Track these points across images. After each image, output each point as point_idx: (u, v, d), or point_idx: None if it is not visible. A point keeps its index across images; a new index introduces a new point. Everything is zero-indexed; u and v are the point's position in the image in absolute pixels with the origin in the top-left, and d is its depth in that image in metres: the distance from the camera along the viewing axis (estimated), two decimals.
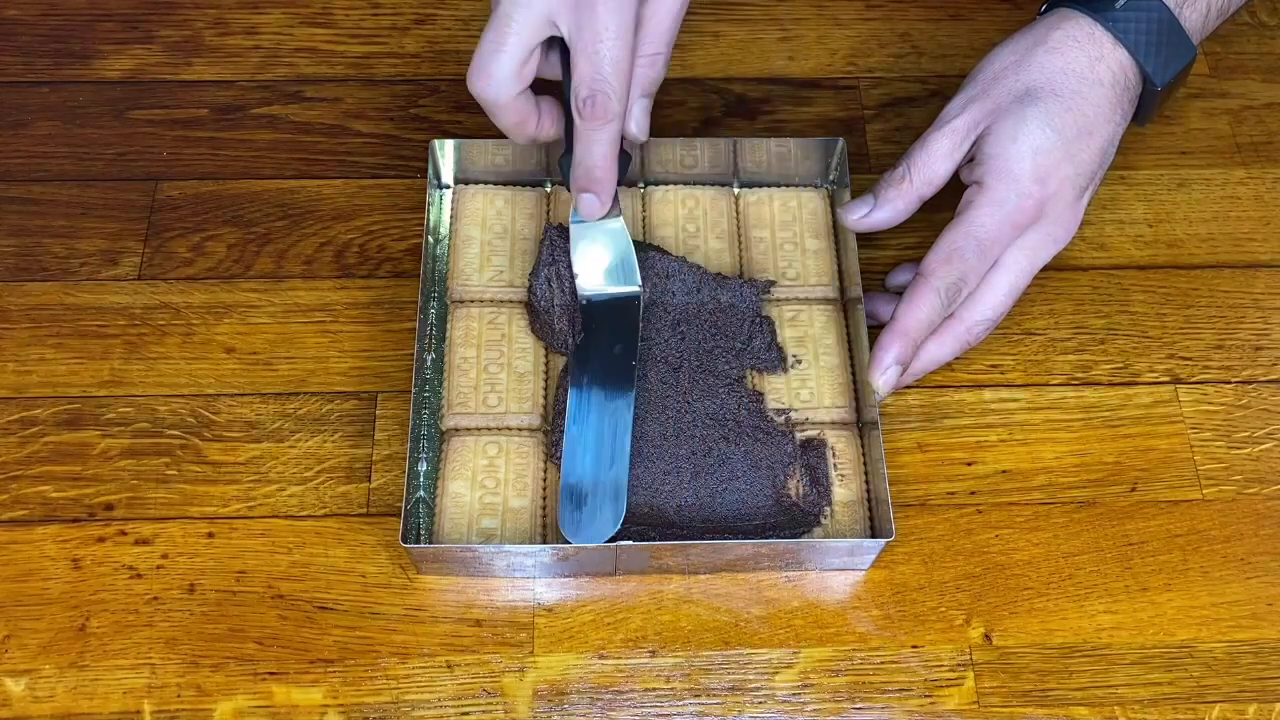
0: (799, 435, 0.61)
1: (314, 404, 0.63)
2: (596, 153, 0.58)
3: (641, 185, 0.68)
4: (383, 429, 0.62)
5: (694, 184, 0.68)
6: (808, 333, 0.64)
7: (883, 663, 0.57)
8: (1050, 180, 0.59)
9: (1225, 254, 0.68)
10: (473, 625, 0.57)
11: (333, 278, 0.66)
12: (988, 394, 0.64)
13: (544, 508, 0.59)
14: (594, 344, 0.61)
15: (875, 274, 0.66)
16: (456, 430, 0.61)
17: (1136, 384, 0.64)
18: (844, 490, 0.60)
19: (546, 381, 0.62)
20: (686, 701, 0.56)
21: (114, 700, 0.55)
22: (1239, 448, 0.63)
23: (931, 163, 0.60)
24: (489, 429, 0.61)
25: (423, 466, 0.60)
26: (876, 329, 0.60)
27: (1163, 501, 0.61)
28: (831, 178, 0.68)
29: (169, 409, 0.62)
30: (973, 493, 0.61)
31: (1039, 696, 0.56)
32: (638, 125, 0.59)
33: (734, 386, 0.62)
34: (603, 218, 0.61)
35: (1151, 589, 0.59)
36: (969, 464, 0.62)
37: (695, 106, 0.73)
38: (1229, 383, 0.65)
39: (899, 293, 0.61)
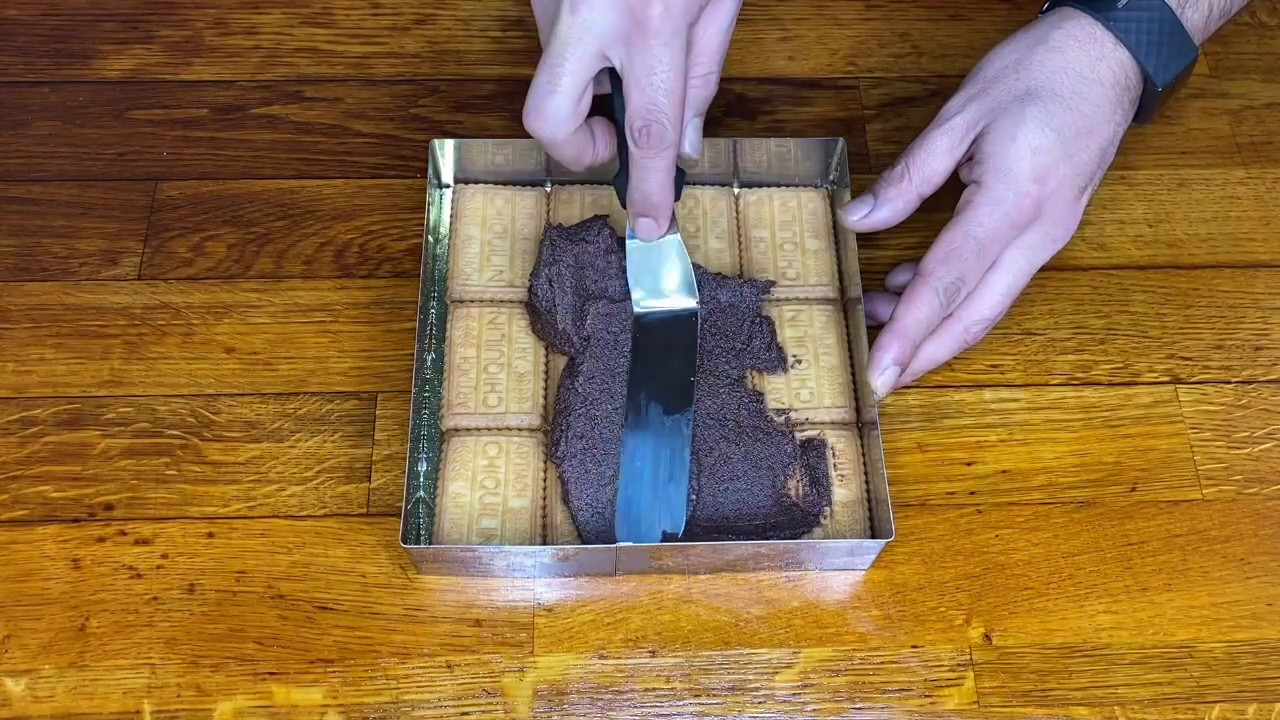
0: (799, 435, 0.61)
1: (314, 404, 0.63)
2: (653, 179, 0.58)
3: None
4: (383, 429, 0.62)
5: (694, 183, 0.68)
6: (808, 333, 0.64)
7: (883, 663, 0.57)
8: (1049, 179, 0.59)
9: (1225, 254, 0.68)
10: (473, 625, 0.57)
11: (333, 278, 0.66)
12: (988, 394, 0.64)
13: (544, 508, 0.59)
14: (652, 359, 0.61)
15: (875, 274, 0.66)
16: (456, 430, 0.61)
17: (1136, 384, 0.64)
18: (844, 490, 0.60)
19: (546, 381, 0.62)
20: (686, 701, 0.56)
21: (114, 700, 0.55)
22: (1239, 448, 0.63)
23: (930, 161, 0.60)
24: (489, 429, 0.61)
25: (423, 466, 0.60)
26: (876, 329, 0.60)
27: (1163, 501, 0.61)
28: (831, 178, 0.68)
29: (169, 409, 0.62)
30: (973, 493, 0.61)
31: (1039, 696, 0.56)
32: (691, 145, 0.60)
33: (734, 386, 0.62)
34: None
35: (1151, 589, 0.59)
36: (969, 464, 0.62)
37: None
38: (1229, 383, 0.65)
39: (899, 293, 0.60)
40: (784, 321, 0.64)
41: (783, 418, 0.61)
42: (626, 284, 0.62)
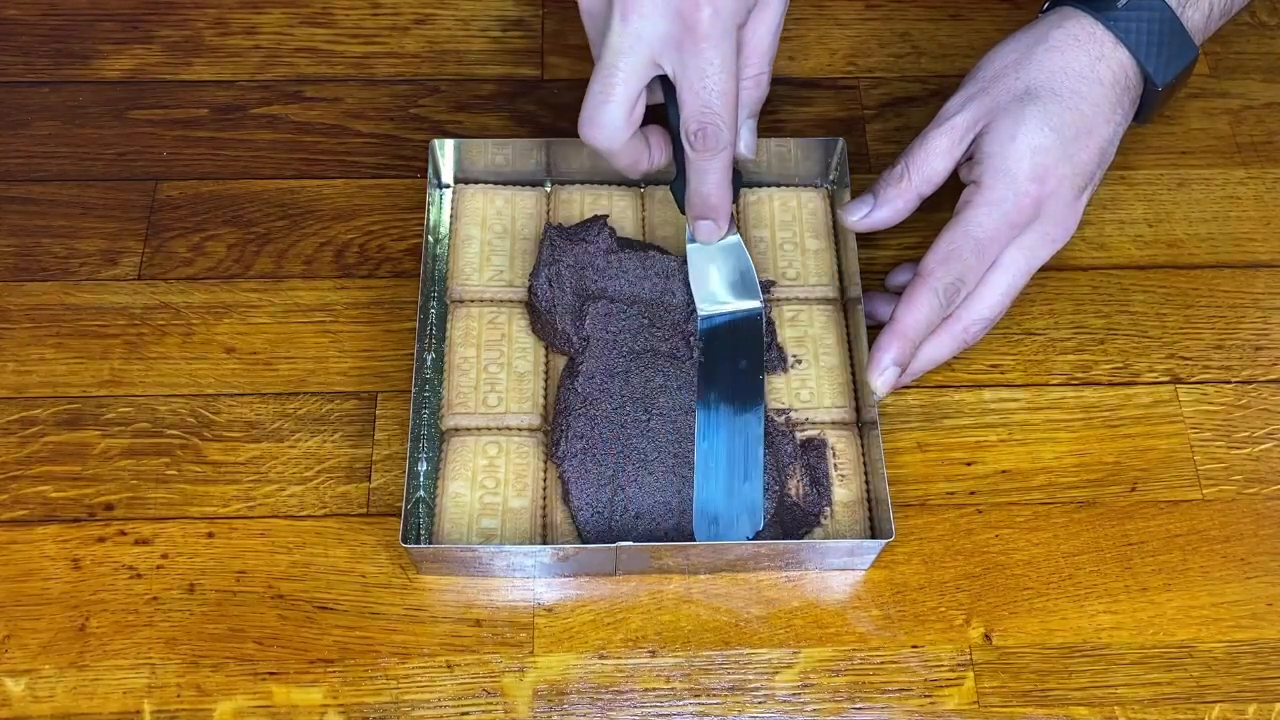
0: (799, 435, 0.61)
1: (314, 404, 0.63)
2: (711, 181, 0.58)
3: (642, 185, 0.68)
4: (383, 429, 0.62)
5: None
6: (808, 333, 0.64)
7: (883, 663, 0.57)
8: (1048, 179, 0.59)
9: (1225, 254, 0.68)
10: (473, 625, 0.57)
11: (333, 277, 0.66)
12: (987, 394, 0.64)
13: (543, 508, 0.59)
14: (719, 360, 0.61)
15: (875, 274, 0.66)
16: (456, 430, 0.61)
17: (1136, 384, 0.64)
18: (844, 490, 0.60)
19: (546, 381, 0.62)
20: (686, 701, 0.56)
21: (114, 700, 0.55)
22: (1239, 448, 0.63)
23: (930, 160, 0.60)
24: (489, 429, 0.61)
25: (423, 466, 0.60)
26: (876, 329, 0.60)
27: (1163, 501, 0.61)
28: (831, 178, 0.68)
29: (169, 409, 0.62)
30: (972, 493, 0.61)
31: (1039, 696, 0.56)
32: (746, 146, 0.60)
33: None
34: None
35: (1151, 589, 0.59)
36: (969, 464, 0.62)
37: None
38: (1229, 383, 0.65)
39: (899, 293, 0.60)
40: (784, 321, 0.64)
41: (783, 418, 0.61)
42: (626, 284, 0.62)
